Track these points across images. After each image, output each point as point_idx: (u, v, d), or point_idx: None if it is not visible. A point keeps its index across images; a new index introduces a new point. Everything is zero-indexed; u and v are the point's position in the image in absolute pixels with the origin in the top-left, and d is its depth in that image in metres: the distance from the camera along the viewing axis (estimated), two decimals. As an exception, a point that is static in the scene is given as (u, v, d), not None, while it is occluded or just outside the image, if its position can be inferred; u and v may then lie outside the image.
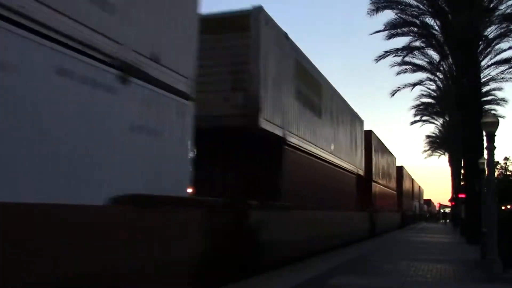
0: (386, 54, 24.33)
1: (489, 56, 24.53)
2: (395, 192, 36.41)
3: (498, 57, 25.16)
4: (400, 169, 42.15)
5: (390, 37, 22.72)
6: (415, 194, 63.02)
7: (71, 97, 4.87)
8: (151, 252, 5.76)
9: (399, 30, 22.58)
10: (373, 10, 21.69)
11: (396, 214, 36.88)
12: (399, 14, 21.84)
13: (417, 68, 27.59)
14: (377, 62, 24.90)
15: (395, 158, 37.51)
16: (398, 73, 27.56)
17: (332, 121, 16.94)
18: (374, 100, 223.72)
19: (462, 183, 27.83)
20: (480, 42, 21.72)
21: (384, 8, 21.66)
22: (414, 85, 30.75)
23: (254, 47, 10.13)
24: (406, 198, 46.28)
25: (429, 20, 22.23)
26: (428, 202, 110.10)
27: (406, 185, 48.17)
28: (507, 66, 26.61)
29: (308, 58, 14.18)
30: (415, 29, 22.64)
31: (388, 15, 23.61)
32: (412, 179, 58.04)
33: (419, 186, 74.00)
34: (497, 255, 10.42)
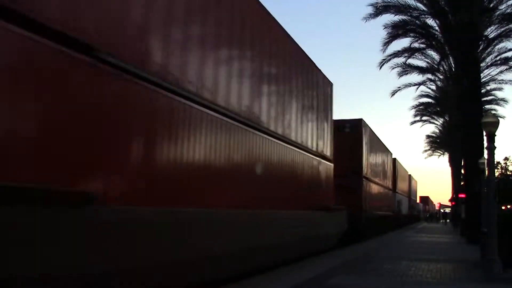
0: (388, 58, 24.37)
1: (490, 57, 24.59)
2: (330, 165, 16.10)
3: (499, 58, 25.20)
4: (355, 126, 21.64)
5: (390, 39, 22.70)
6: (401, 186, 39.89)
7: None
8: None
9: (400, 32, 22.53)
10: (373, 14, 21.63)
11: (325, 215, 15.12)
12: (399, 16, 21.80)
13: (418, 69, 27.65)
14: (380, 68, 24.93)
15: (329, 86, 16.73)
16: (400, 75, 27.62)
17: None
18: (374, 100, 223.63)
19: (462, 183, 27.82)
20: (480, 42, 21.71)
21: (384, 11, 21.57)
22: (418, 85, 30.84)
23: None
24: (373, 187, 24.80)
25: (430, 21, 22.26)
26: (426, 199, 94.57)
27: (376, 166, 26.49)
28: (507, 67, 26.65)
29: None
30: (416, 28, 22.62)
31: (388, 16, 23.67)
32: (394, 159, 36.45)
33: (409, 176, 50.48)
34: (497, 255, 10.42)
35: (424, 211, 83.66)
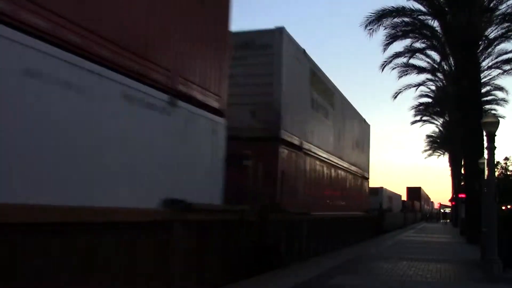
0: (390, 59, 24.38)
1: (490, 57, 24.58)
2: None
3: (500, 59, 25.21)
4: None
5: (391, 41, 22.65)
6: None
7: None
8: None
9: (400, 33, 22.48)
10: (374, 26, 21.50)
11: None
12: (402, 18, 21.70)
13: (419, 69, 27.71)
14: (382, 70, 24.92)
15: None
16: (400, 77, 27.68)
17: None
18: (374, 100, 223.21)
19: (462, 183, 27.84)
20: (480, 42, 21.70)
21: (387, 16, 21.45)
22: (418, 85, 30.90)
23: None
24: None
25: (430, 22, 22.22)
26: (416, 192, 65.06)
27: None
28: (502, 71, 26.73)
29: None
30: (416, 30, 22.59)
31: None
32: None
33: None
34: (497, 255, 10.44)
35: (413, 211, 57.03)
